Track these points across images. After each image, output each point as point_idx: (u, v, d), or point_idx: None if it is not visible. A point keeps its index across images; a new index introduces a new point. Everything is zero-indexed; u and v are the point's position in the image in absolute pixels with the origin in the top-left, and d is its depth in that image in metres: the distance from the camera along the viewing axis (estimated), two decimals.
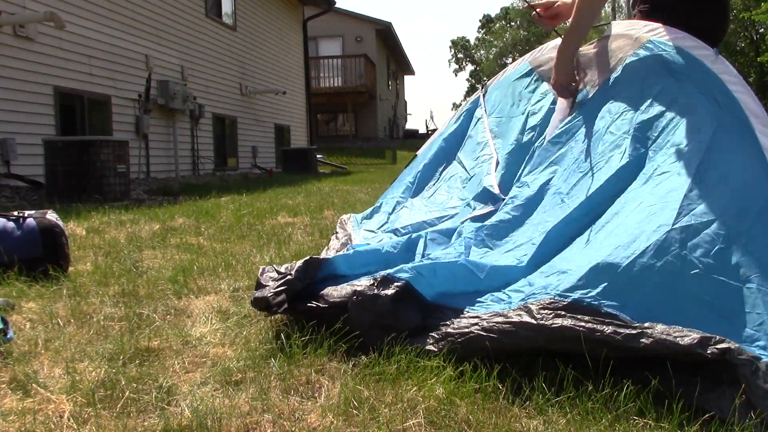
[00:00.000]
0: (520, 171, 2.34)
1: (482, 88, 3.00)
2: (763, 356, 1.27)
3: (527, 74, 2.69)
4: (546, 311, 1.48)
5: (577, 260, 1.65)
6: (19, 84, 6.96)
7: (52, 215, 2.67)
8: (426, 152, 3.07)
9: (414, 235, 2.26)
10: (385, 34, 24.71)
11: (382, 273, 1.74)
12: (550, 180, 2.13)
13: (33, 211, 2.70)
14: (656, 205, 1.63)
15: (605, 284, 1.50)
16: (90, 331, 1.83)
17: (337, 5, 17.44)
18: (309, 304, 1.75)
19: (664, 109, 1.92)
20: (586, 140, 2.08)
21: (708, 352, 1.28)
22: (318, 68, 21.94)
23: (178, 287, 2.34)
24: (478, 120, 2.85)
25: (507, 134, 2.60)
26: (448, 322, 1.61)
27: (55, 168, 6.12)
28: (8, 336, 1.71)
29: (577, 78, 2.28)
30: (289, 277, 1.77)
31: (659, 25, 2.09)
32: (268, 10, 14.81)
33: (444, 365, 1.47)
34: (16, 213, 2.64)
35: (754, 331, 1.36)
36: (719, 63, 1.90)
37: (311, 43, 19.39)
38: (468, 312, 1.64)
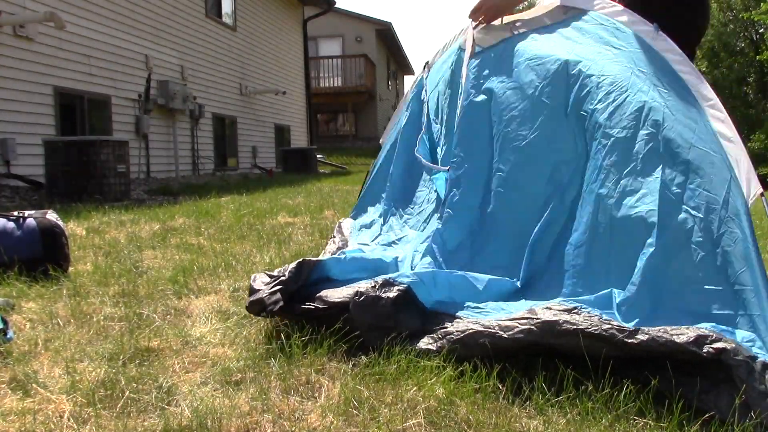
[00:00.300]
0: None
1: (424, 68, 2.81)
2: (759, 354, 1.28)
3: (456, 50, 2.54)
4: (546, 310, 1.49)
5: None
6: (19, 84, 6.96)
7: (52, 215, 2.67)
8: (389, 147, 2.87)
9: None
10: (385, 34, 24.70)
11: (384, 276, 1.74)
12: (487, 165, 2.07)
13: (33, 211, 2.70)
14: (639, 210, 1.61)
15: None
16: (90, 331, 1.83)
17: (337, 5, 17.44)
18: (306, 306, 1.74)
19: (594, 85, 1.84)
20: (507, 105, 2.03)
21: (704, 351, 1.28)
22: (318, 68, 21.94)
23: (178, 287, 2.34)
24: (423, 104, 2.71)
25: (444, 113, 2.50)
26: (447, 325, 1.61)
27: (55, 168, 6.12)
28: (8, 336, 1.71)
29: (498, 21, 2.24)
30: (282, 278, 1.78)
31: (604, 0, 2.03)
32: (268, 10, 14.80)
33: (444, 365, 1.47)
34: (16, 213, 2.64)
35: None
36: (660, 40, 1.80)
37: (311, 43, 19.38)
38: (467, 318, 1.64)
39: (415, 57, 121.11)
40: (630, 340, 1.34)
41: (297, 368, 1.52)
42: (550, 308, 1.49)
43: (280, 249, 3.17)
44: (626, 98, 1.71)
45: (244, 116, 13.37)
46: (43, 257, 2.52)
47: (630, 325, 1.38)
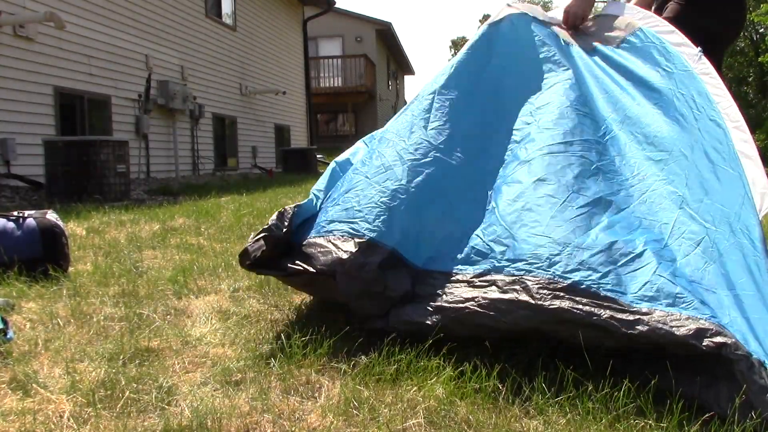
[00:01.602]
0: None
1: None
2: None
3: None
4: (545, 291, 1.47)
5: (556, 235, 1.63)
6: (19, 84, 6.96)
7: (52, 215, 2.67)
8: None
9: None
10: (385, 34, 24.70)
11: (368, 237, 1.71)
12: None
13: (33, 211, 2.70)
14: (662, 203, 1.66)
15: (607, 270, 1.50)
16: (90, 331, 1.83)
17: (337, 5, 17.43)
18: (296, 265, 1.74)
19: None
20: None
21: (703, 344, 1.27)
22: (318, 68, 21.93)
23: (178, 287, 2.34)
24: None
25: None
26: (440, 292, 1.61)
27: (55, 168, 6.12)
28: (8, 336, 1.71)
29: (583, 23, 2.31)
30: (265, 227, 1.80)
31: (651, 14, 2.13)
32: (268, 10, 14.80)
33: (444, 365, 1.47)
34: (16, 213, 2.64)
35: None
36: (701, 63, 1.90)
37: (311, 43, 19.37)
38: (457, 274, 1.64)
39: (415, 57, 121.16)
40: (630, 331, 1.34)
41: (297, 368, 1.52)
42: (545, 286, 1.48)
43: None
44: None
45: (244, 116, 13.37)
46: (43, 257, 2.52)
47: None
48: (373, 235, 1.73)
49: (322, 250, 1.75)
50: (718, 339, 1.27)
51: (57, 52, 7.54)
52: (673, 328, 1.32)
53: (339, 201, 1.89)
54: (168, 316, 2.00)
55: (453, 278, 1.65)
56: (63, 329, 1.85)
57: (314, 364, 1.55)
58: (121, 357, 1.60)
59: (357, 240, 1.72)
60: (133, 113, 9.18)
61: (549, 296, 1.46)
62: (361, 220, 1.77)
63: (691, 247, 1.52)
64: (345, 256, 1.68)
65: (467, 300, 1.55)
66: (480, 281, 1.59)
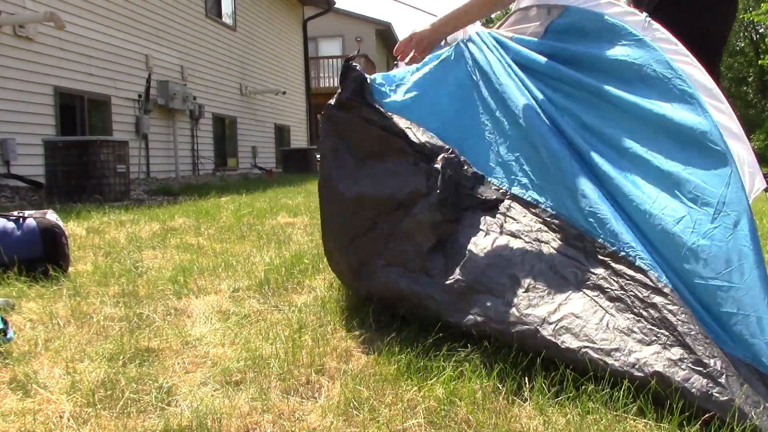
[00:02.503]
0: None
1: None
2: None
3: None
4: (598, 256, 1.52)
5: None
6: (19, 84, 6.96)
7: (52, 215, 2.67)
8: None
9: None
10: (385, 34, 24.71)
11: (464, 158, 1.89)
12: None
13: (33, 211, 2.70)
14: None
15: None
16: (90, 331, 1.83)
17: (337, 5, 17.44)
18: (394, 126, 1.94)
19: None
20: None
21: (698, 348, 1.28)
22: (318, 68, 21.94)
23: (178, 287, 2.34)
24: None
25: None
26: (512, 218, 1.74)
27: (55, 168, 6.12)
28: (8, 336, 1.71)
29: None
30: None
31: None
32: (268, 10, 14.81)
33: (444, 365, 1.47)
34: (16, 213, 2.64)
35: None
36: (652, 30, 1.71)
37: (311, 43, 19.38)
38: (535, 201, 1.73)
39: None
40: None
41: (297, 368, 1.52)
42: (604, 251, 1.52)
43: (280, 249, 3.17)
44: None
45: (244, 116, 13.38)
46: (43, 257, 2.52)
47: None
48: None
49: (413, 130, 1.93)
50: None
51: (57, 52, 7.54)
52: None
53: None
54: (168, 316, 2.00)
55: (535, 212, 1.71)
56: (63, 329, 1.85)
57: (314, 364, 1.55)
58: (121, 357, 1.60)
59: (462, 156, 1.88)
60: (133, 113, 9.18)
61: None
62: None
63: (671, 225, 1.49)
64: (452, 153, 1.86)
65: (536, 240, 1.65)
66: (553, 224, 1.65)
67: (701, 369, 1.26)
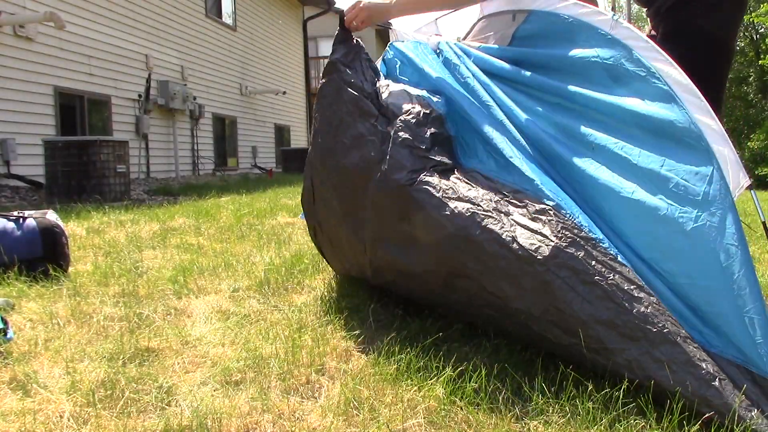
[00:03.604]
0: None
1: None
2: None
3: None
4: (568, 233, 1.45)
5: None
6: (19, 84, 6.96)
7: (52, 215, 2.67)
8: None
9: None
10: (385, 34, 24.68)
11: (441, 113, 1.83)
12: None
13: (33, 211, 2.70)
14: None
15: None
16: (90, 331, 1.83)
17: (337, 5, 17.43)
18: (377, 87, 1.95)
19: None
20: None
21: (687, 348, 1.27)
22: (318, 68, 21.88)
23: (178, 287, 2.34)
24: None
25: None
26: (471, 186, 1.65)
27: (55, 168, 6.12)
28: (8, 336, 1.71)
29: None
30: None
31: None
32: (268, 10, 14.81)
33: (444, 365, 1.47)
34: (16, 213, 2.64)
35: None
36: (621, 28, 1.66)
37: (311, 43, 19.36)
38: (497, 179, 1.66)
39: None
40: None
41: (297, 368, 1.52)
42: (568, 227, 1.46)
43: (280, 249, 3.17)
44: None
45: (244, 116, 13.38)
46: (43, 257, 2.52)
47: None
48: (443, 114, 1.83)
49: (401, 96, 1.88)
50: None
51: (57, 52, 7.54)
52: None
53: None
54: (168, 316, 2.00)
55: (492, 184, 1.65)
56: (63, 329, 1.85)
57: (314, 364, 1.55)
58: (121, 357, 1.60)
59: (432, 109, 1.82)
60: (133, 113, 9.18)
61: (569, 239, 1.44)
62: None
63: (653, 224, 1.47)
64: (415, 109, 1.80)
65: (493, 209, 1.56)
66: (515, 198, 1.59)
67: (693, 371, 1.25)
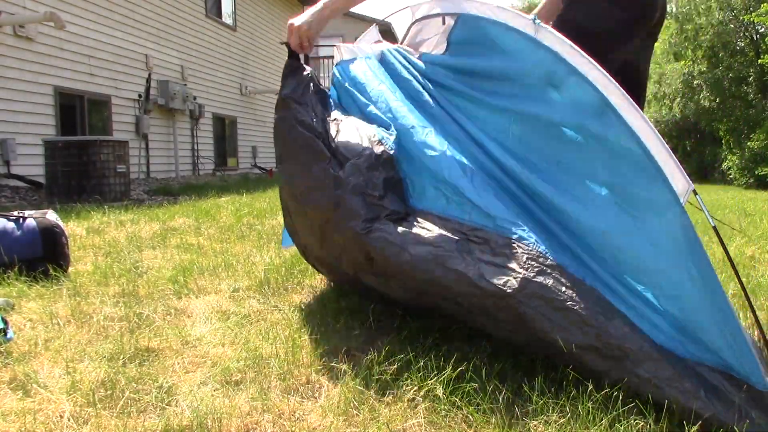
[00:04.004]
0: None
1: None
2: None
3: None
4: (535, 263, 1.42)
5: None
6: (19, 84, 6.96)
7: (52, 215, 2.67)
8: None
9: None
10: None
11: (393, 153, 1.76)
12: None
13: (33, 211, 2.70)
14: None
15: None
16: (90, 331, 1.83)
17: None
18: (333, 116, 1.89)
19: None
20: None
21: (666, 360, 1.26)
22: (318, 68, 21.91)
23: (178, 287, 2.34)
24: None
25: None
26: (430, 229, 1.58)
27: (55, 168, 6.12)
28: (8, 336, 1.71)
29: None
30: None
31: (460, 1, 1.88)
32: (268, 10, 14.81)
33: (444, 365, 1.47)
34: (16, 213, 2.64)
35: None
36: (544, 31, 1.61)
37: None
38: (454, 218, 1.58)
39: None
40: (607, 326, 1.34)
41: (297, 368, 1.52)
42: (534, 257, 1.42)
43: (280, 249, 3.17)
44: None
45: (244, 116, 13.38)
46: (43, 257, 2.52)
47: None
48: (394, 153, 1.77)
49: (352, 134, 1.82)
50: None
51: (57, 52, 7.54)
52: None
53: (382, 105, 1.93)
54: (168, 316, 2.00)
55: (448, 224, 1.59)
56: (63, 329, 1.85)
57: (314, 364, 1.55)
58: (121, 357, 1.60)
59: (384, 148, 1.76)
60: (133, 113, 9.18)
61: (536, 269, 1.41)
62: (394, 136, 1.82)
63: (599, 235, 1.46)
64: (367, 152, 1.73)
65: (455, 249, 1.51)
66: (475, 236, 1.53)
67: (678, 385, 1.25)
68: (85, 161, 6.12)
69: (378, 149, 1.75)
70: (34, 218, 2.59)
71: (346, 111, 2.01)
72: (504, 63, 1.73)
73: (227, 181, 10.22)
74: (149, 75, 9.43)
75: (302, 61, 2.05)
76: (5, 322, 1.75)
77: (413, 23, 2.16)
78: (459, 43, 1.89)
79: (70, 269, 2.64)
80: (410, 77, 1.95)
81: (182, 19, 10.68)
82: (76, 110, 8.05)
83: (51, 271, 2.48)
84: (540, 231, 1.51)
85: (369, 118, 1.91)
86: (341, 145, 1.79)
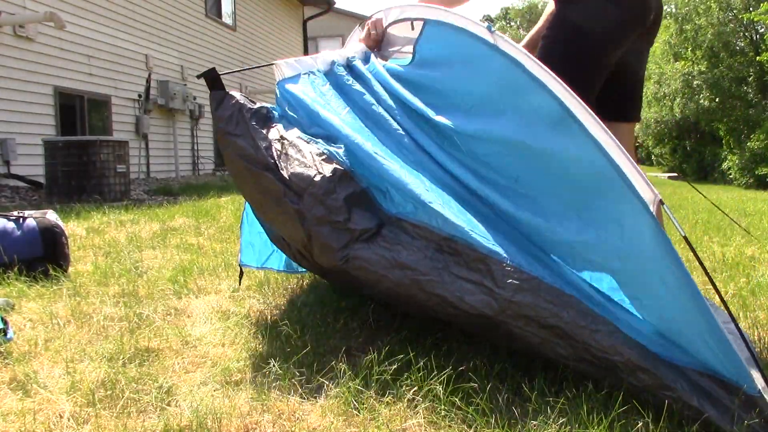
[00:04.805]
0: None
1: None
2: None
3: None
4: (511, 281, 1.39)
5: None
6: (19, 84, 6.96)
7: (52, 215, 2.67)
8: None
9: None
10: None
11: (346, 166, 1.65)
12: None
13: (33, 211, 2.70)
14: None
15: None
16: (90, 331, 1.83)
17: (337, 5, 17.44)
18: (273, 149, 1.70)
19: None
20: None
21: (659, 372, 1.26)
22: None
23: (178, 287, 2.34)
24: None
25: None
26: (405, 244, 1.53)
27: (55, 168, 6.12)
28: (8, 336, 1.71)
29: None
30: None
31: (422, 5, 1.88)
32: (268, 10, 14.81)
33: (444, 365, 1.47)
34: (16, 213, 2.64)
35: None
36: (502, 41, 1.59)
37: (311, 43, 19.38)
38: (423, 224, 1.53)
39: None
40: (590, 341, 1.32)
41: (297, 368, 1.52)
42: (510, 275, 1.39)
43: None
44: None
45: None
46: (43, 257, 2.52)
47: None
48: (348, 166, 1.66)
49: (301, 159, 1.67)
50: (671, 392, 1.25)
51: (57, 52, 7.54)
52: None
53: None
54: (168, 316, 2.00)
55: (424, 234, 1.54)
56: (63, 329, 1.85)
57: (314, 364, 1.55)
58: (121, 357, 1.60)
59: (336, 165, 1.65)
60: (133, 113, 9.18)
61: (513, 287, 1.38)
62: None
63: (581, 249, 1.45)
64: (318, 179, 1.61)
65: (431, 270, 1.48)
66: (448, 247, 1.50)
67: (669, 393, 1.25)
68: (85, 161, 6.11)
69: (328, 168, 1.64)
70: (34, 218, 2.59)
71: (289, 124, 1.88)
72: (464, 74, 1.70)
73: (227, 181, 10.22)
74: (149, 75, 9.42)
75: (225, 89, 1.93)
76: (5, 322, 1.75)
77: (387, 26, 2.14)
78: (424, 54, 1.86)
79: (70, 269, 2.64)
80: (363, 90, 1.88)
81: (182, 19, 10.67)
82: (76, 110, 8.04)
83: (51, 271, 2.48)
84: (509, 243, 1.47)
85: (312, 136, 1.80)
86: (292, 175, 1.66)
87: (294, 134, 1.78)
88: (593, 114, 1.42)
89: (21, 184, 6.80)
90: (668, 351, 1.32)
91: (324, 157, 1.68)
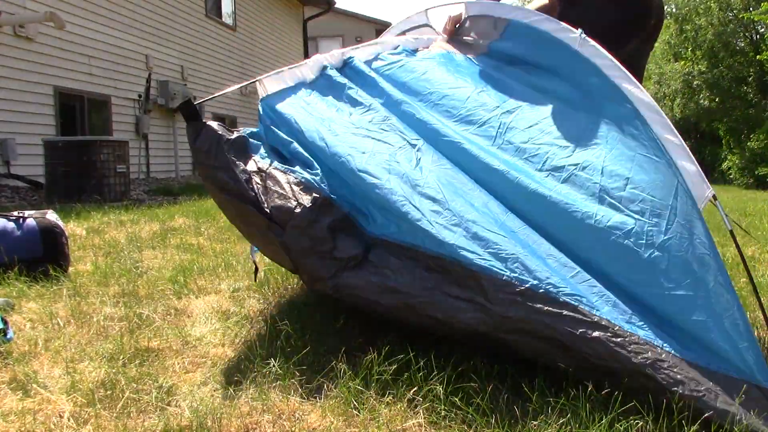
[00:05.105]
0: None
1: None
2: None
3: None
4: (503, 296, 1.40)
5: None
6: (19, 84, 6.96)
7: (52, 215, 2.67)
8: None
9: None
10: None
11: (327, 194, 1.64)
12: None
13: (33, 212, 2.70)
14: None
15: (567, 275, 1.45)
16: (90, 331, 1.83)
17: (337, 5, 17.43)
18: (254, 184, 1.67)
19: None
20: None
21: (659, 376, 1.26)
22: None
23: (178, 287, 2.34)
24: None
25: None
26: (393, 269, 1.53)
27: (55, 168, 6.12)
28: (8, 336, 1.71)
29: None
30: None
31: (515, 6, 2.04)
32: (268, 10, 14.81)
33: (444, 365, 1.47)
34: (16, 213, 2.64)
35: None
36: (588, 46, 1.72)
37: (311, 43, 19.37)
38: (408, 245, 1.54)
39: None
40: (586, 350, 1.32)
41: (297, 368, 1.52)
42: (503, 289, 1.40)
43: None
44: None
45: (244, 116, 13.37)
46: (43, 257, 2.52)
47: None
48: (328, 192, 1.65)
49: (280, 192, 1.65)
50: (675, 374, 1.26)
51: (57, 52, 7.53)
52: (631, 355, 1.29)
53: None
54: (168, 316, 2.00)
55: (411, 255, 1.54)
56: (63, 329, 1.85)
57: (314, 364, 1.55)
58: (121, 357, 1.60)
59: (314, 194, 1.64)
60: (133, 113, 9.18)
61: (506, 302, 1.39)
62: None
63: (621, 238, 1.45)
64: (298, 210, 1.60)
65: (423, 290, 1.48)
66: (437, 266, 1.50)
67: (670, 396, 1.25)
68: (85, 161, 6.11)
69: (307, 199, 1.63)
70: (35, 218, 2.59)
71: (271, 149, 1.85)
72: (544, 75, 1.84)
73: None
74: (149, 75, 9.42)
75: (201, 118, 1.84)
76: (5, 322, 1.75)
77: (466, 19, 2.24)
78: (500, 52, 1.99)
79: (70, 269, 2.64)
80: (363, 92, 1.92)
81: (182, 19, 10.67)
82: (76, 110, 8.04)
83: (51, 271, 2.47)
84: (513, 244, 1.48)
85: (292, 155, 1.79)
86: (273, 209, 1.64)
87: (271, 164, 1.74)
88: (664, 115, 1.56)
89: (21, 184, 6.79)
90: (678, 343, 1.34)
91: (302, 186, 1.66)
